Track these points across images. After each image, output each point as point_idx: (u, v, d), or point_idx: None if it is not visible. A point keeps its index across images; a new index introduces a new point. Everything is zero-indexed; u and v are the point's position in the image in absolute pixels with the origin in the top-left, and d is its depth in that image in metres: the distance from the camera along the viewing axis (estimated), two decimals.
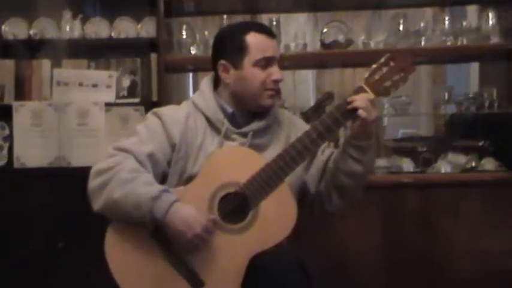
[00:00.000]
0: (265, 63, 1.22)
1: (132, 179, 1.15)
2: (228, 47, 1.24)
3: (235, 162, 1.20)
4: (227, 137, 1.25)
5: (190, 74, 2.60)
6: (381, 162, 2.07)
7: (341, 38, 2.11)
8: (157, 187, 1.16)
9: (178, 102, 1.33)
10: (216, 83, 1.29)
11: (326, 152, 1.32)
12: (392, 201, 1.89)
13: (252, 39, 1.22)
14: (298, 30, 2.21)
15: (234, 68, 1.23)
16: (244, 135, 1.25)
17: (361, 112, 1.18)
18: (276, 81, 1.24)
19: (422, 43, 2.02)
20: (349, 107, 1.19)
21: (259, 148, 1.25)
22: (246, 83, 1.22)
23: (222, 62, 1.24)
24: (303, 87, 2.71)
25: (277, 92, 1.25)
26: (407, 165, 2.07)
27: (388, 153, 2.22)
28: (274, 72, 1.23)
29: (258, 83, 1.22)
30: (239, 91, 1.24)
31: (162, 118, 1.25)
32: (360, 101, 1.18)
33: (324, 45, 2.15)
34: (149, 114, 1.28)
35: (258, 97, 1.23)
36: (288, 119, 1.34)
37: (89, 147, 1.89)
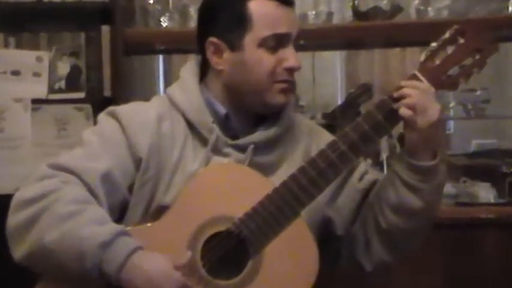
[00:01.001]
0: (276, 43, 1.23)
1: (73, 214, 1.14)
2: (221, 18, 1.25)
3: (228, 187, 1.21)
4: (217, 150, 1.26)
5: (161, 58, 2.62)
6: (446, 188, 2.10)
7: (384, 3, 2.19)
8: (110, 227, 1.14)
9: (144, 99, 1.35)
10: (203, 70, 1.31)
11: (366, 177, 1.33)
12: (463, 246, 1.90)
13: (257, 7, 1.23)
14: None
15: (230, 49, 1.25)
16: (243, 148, 1.26)
17: (403, 109, 1.19)
18: (292, 70, 1.25)
19: (510, 8, 2.08)
20: (396, 105, 1.20)
21: (263, 168, 1.25)
22: (247, 72, 1.24)
23: (213, 40, 1.25)
24: (327, 76, 2.74)
25: (292, 86, 1.27)
26: (486, 193, 2.13)
27: (456, 174, 2.24)
28: (289, 56, 1.24)
29: (265, 71, 1.23)
30: (236, 83, 1.26)
31: (121, 121, 1.26)
32: (412, 95, 1.19)
33: (358, 14, 2.20)
34: (102, 116, 1.29)
35: (264, 92, 1.24)
36: (308, 128, 1.36)
37: (7, 164, 1.88)
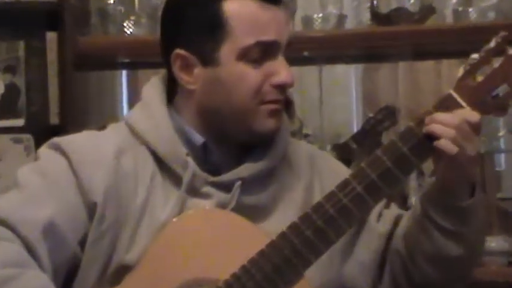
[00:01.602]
0: (261, 53, 1.25)
1: (4, 283, 1.14)
2: (189, 24, 1.27)
3: (210, 240, 1.23)
4: (194, 191, 1.27)
5: (124, 73, 2.63)
6: (494, 242, 2.07)
7: (411, 3, 2.20)
8: None
9: (102, 127, 1.37)
10: (172, 89, 1.34)
11: (386, 215, 1.37)
12: None
13: (235, 8, 1.25)
14: None
15: (202, 63, 1.27)
16: (227, 187, 1.28)
17: (445, 144, 1.21)
18: (282, 87, 1.27)
19: None
20: (425, 131, 1.22)
21: (254, 212, 1.28)
22: (226, 91, 1.26)
23: (179, 52, 1.27)
24: (338, 97, 2.74)
25: (284, 106, 1.29)
26: None
27: (508, 226, 2.24)
28: (279, 69, 1.26)
29: (249, 90, 1.25)
30: (212, 106, 1.28)
31: (70, 156, 1.27)
32: (445, 122, 1.21)
33: (378, 17, 2.23)
34: (45, 150, 1.31)
35: (249, 117, 1.27)
36: (309, 156, 1.38)
37: None
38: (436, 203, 1.26)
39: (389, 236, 1.34)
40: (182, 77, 1.28)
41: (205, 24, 1.25)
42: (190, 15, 1.26)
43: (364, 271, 1.33)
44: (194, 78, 1.27)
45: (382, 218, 1.36)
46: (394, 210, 1.39)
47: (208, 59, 1.25)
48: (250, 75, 1.24)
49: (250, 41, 1.23)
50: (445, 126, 1.20)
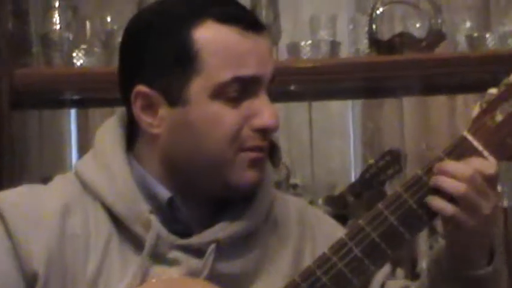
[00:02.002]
0: (240, 91, 1.26)
1: None
2: (154, 56, 1.28)
3: None
4: (159, 256, 1.28)
5: (73, 112, 2.61)
6: None
7: (418, 27, 2.22)
8: None
9: (46, 178, 1.39)
10: (131, 132, 1.35)
11: (390, 287, 1.38)
12: None
13: (209, 37, 1.26)
14: (320, 12, 2.32)
15: (169, 102, 1.28)
16: (198, 252, 1.28)
17: (436, 203, 1.22)
18: (265, 131, 1.28)
19: None
20: (431, 183, 1.24)
21: (232, 283, 1.28)
22: (197, 137, 1.27)
23: (141, 89, 1.28)
24: (333, 140, 2.73)
25: (267, 154, 1.31)
26: None
27: None
28: (261, 109, 1.27)
29: (225, 135, 1.26)
30: (180, 154, 1.29)
31: (5, 216, 1.27)
32: (454, 173, 1.22)
33: (377, 44, 2.25)
34: None
35: (225, 167, 1.28)
36: (300, 216, 1.39)
37: None
38: (447, 272, 1.27)
39: None
40: (144, 118, 1.28)
41: (172, 56, 1.26)
42: (154, 45, 1.28)
43: None
44: (158, 120, 1.28)
45: None
46: (399, 282, 1.40)
47: (175, 98, 1.26)
48: (227, 117, 1.25)
49: (226, 76, 1.24)
50: (454, 179, 1.21)
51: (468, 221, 1.21)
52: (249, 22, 1.27)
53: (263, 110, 1.26)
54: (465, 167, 1.22)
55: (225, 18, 1.26)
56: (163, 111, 1.27)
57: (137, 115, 1.28)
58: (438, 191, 1.22)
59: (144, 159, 1.32)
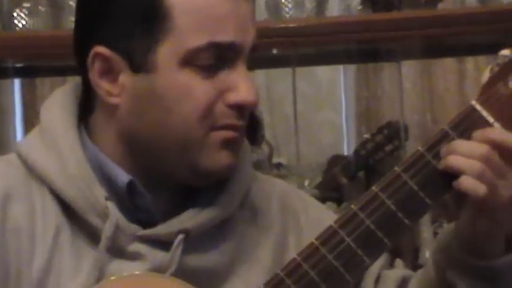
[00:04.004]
0: (216, 59, 1.24)
1: None
2: (117, 13, 1.26)
3: None
4: (117, 249, 1.25)
5: (17, 83, 2.61)
6: None
7: None
8: None
9: None
10: (86, 106, 1.32)
11: (388, 281, 1.38)
12: None
13: None
14: None
15: (132, 67, 1.25)
16: (164, 244, 1.26)
17: (468, 184, 1.20)
18: (243, 108, 1.25)
19: None
20: (441, 166, 1.21)
21: (204, 279, 1.27)
22: (162, 109, 1.25)
23: (100, 50, 1.25)
24: (322, 112, 2.71)
25: (243, 133, 1.29)
26: None
27: None
28: (238, 82, 1.25)
29: (195, 110, 1.24)
30: (142, 129, 1.27)
31: None
32: (468, 153, 1.21)
33: (371, 1, 2.21)
34: None
35: (194, 148, 1.26)
36: (283, 201, 1.38)
37: None
38: (457, 261, 1.26)
39: None
40: (102, 85, 1.26)
41: (139, 13, 1.25)
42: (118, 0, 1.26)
43: None
44: (119, 88, 1.26)
45: (382, 282, 1.37)
46: (398, 271, 1.39)
47: (139, 63, 1.25)
48: (198, 88, 1.24)
49: (200, 41, 1.22)
50: (464, 156, 1.21)
51: (491, 200, 1.20)
52: None
53: (240, 84, 1.24)
54: (479, 145, 1.22)
55: None
56: (125, 77, 1.26)
57: (94, 81, 1.26)
58: (443, 174, 1.22)
59: (100, 137, 1.31)
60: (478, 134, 1.22)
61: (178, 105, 1.24)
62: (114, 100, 1.26)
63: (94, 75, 1.26)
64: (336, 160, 2.51)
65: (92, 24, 1.28)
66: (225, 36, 1.24)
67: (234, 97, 1.24)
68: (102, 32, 1.26)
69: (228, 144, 1.26)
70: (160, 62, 1.24)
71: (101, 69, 1.26)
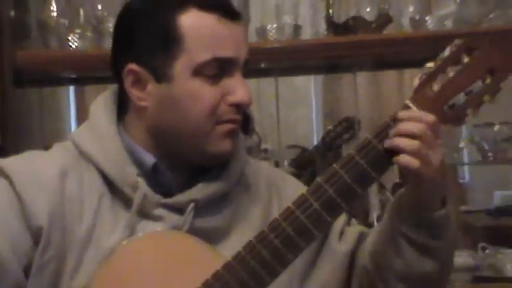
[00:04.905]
0: (219, 70, 1.26)
1: None
2: (142, 38, 1.28)
3: (162, 264, 1.23)
4: (145, 213, 1.28)
5: (71, 89, 2.66)
6: (458, 257, 2.05)
7: (368, 11, 2.28)
8: None
9: (46, 147, 1.38)
10: (123, 106, 1.34)
11: (348, 232, 1.40)
12: None
13: (192, 22, 1.26)
14: (284, 0, 2.35)
15: (156, 79, 1.28)
16: (179, 209, 1.28)
17: (405, 160, 1.22)
18: (240, 106, 1.28)
19: None
20: (386, 145, 1.24)
21: (209, 235, 1.28)
22: (179, 110, 1.27)
23: (132, 67, 1.28)
24: (296, 109, 2.74)
25: (240, 126, 1.31)
26: None
27: (474, 239, 2.31)
28: (236, 87, 1.27)
29: (204, 109, 1.26)
30: (164, 125, 1.29)
31: (12, 179, 1.27)
32: (405, 132, 1.23)
33: (334, 27, 2.29)
34: None
35: (203, 137, 1.28)
36: (267, 176, 1.40)
37: None
38: (407, 216, 1.27)
39: (353, 254, 1.36)
40: (134, 93, 1.28)
41: (159, 38, 1.26)
42: (144, 28, 1.27)
43: None
44: (146, 94, 1.28)
45: (344, 237, 1.38)
46: (357, 227, 1.41)
47: (161, 75, 1.26)
48: (206, 92, 1.25)
49: (206, 56, 1.24)
50: (402, 136, 1.22)
51: (425, 171, 1.22)
52: (227, 11, 1.27)
53: (238, 88, 1.26)
54: (412, 125, 1.22)
55: (206, 7, 1.25)
56: (151, 86, 1.27)
57: (128, 90, 1.28)
58: (386, 153, 1.23)
59: (133, 130, 1.31)
60: (402, 112, 1.23)
61: (191, 106, 1.26)
62: (143, 103, 1.28)
63: (128, 85, 1.28)
64: (302, 152, 2.56)
65: (125, 47, 1.30)
66: (225, 52, 1.25)
67: (233, 98, 1.26)
68: (132, 53, 1.28)
69: (229, 134, 1.28)
70: (177, 74, 1.25)
71: (133, 81, 1.28)
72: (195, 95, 1.25)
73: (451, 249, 1.32)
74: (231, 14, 1.27)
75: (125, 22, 1.31)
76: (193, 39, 1.24)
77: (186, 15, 1.25)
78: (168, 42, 1.25)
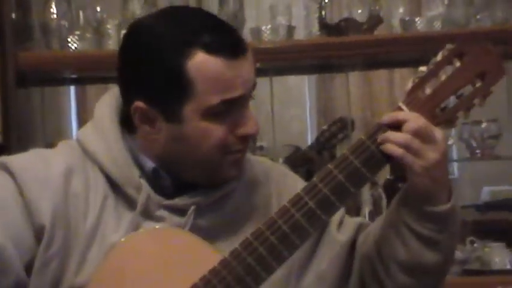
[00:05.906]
0: (227, 108, 1.25)
1: None
2: (152, 81, 1.27)
3: (161, 259, 1.23)
4: (148, 214, 1.28)
5: (72, 89, 2.65)
6: None
7: (360, 13, 2.27)
8: None
9: (50, 145, 1.37)
10: (127, 119, 1.31)
11: (346, 223, 1.39)
12: None
13: (200, 68, 1.24)
14: (278, 1, 2.37)
15: (166, 118, 1.26)
16: (181, 211, 1.28)
17: (387, 146, 1.23)
18: (246, 138, 1.28)
19: None
20: (379, 141, 1.24)
21: (208, 232, 1.28)
22: (190, 146, 1.27)
23: (139, 105, 1.27)
24: (291, 109, 2.74)
25: (245, 153, 1.30)
26: (501, 256, 2.16)
27: (463, 233, 2.26)
28: (244, 120, 1.27)
29: (214, 145, 1.26)
30: (174, 154, 1.29)
31: (16, 177, 1.26)
32: (396, 141, 1.23)
33: (326, 28, 2.29)
34: None
35: (213, 167, 1.28)
36: (265, 172, 1.39)
37: None
38: (412, 208, 1.27)
39: (352, 244, 1.36)
40: (143, 128, 1.28)
41: (167, 83, 1.24)
42: (151, 69, 1.26)
43: (324, 281, 1.34)
44: (156, 130, 1.27)
45: (343, 226, 1.37)
46: (356, 218, 1.41)
47: (171, 116, 1.25)
48: (216, 129, 1.25)
49: (214, 100, 1.23)
50: (396, 135, 1.23)
51: (414, 164, 1.22)
52: (234, 49, 1.24)
53: (246, 121, 1.25)
54: (400, 135, 1.23)
55: (213, 49, 1.23)
56: (160, 124, 1.26)
57: (137, 124, 1.28)
58: (379, 153, 1.23)
59: (142, 150, 1.30)
60: (390, 114, 1.24)
61: (201, 144, 1.25)
62: (153, 137, 1.28)
63: (136, 121, 1.28)
64: (296, 151, 2.57)
65: (133, 84, 1.29)
66: (233, 93, 1.24)
67: (242, 131, 1.25)
68: (140, 91, 1.26)
69: (238, 163, 1.29)
70: (186, 116, 1.24)
71: (141, 118, 1.27)
72: (204, 134, 1.25)
73: (454, 243, 1.32)
74: (239, 52, 1.25)
75: (131, 59, 1.29)
76: (201, 84, 1.23)
77: (194, 60, 1.23)
78: (177, 87, 1.24)
